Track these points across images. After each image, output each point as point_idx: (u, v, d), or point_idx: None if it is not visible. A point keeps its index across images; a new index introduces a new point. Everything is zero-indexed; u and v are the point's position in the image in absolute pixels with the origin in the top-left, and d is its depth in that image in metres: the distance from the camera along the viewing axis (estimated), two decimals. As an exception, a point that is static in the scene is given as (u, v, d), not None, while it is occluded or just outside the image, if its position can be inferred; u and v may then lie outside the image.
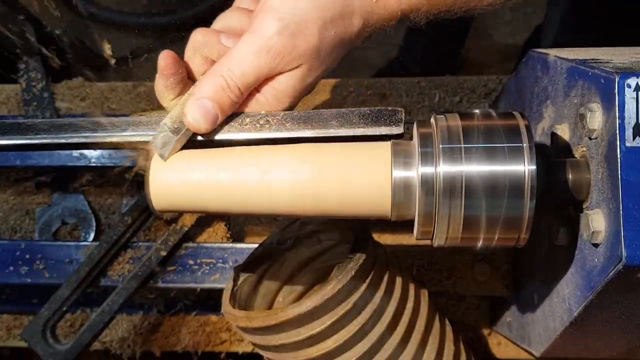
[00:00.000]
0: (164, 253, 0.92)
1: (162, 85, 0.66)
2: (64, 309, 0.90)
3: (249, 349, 1.02)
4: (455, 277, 0.95)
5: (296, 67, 0.64)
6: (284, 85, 0.65)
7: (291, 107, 0.67)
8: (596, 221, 0.60)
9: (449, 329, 0.84)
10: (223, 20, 0.70)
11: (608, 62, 0.63)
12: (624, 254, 0.56)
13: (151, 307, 1.03)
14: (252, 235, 1.03)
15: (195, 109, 0.63)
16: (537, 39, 1.57)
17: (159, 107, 0.98)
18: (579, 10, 1.24)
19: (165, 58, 0.65)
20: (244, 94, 0.64)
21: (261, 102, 0.65)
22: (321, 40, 0.63)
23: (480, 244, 0.62)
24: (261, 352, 0.80)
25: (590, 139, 0.62)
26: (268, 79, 0.64)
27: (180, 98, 0.66)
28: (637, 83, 0.57)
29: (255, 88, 0.65)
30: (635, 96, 0.57)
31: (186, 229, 0.94)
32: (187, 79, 0.67)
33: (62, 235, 1.05)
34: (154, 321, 1.03)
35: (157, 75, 0.66)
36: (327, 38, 0.63)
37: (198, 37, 0.67)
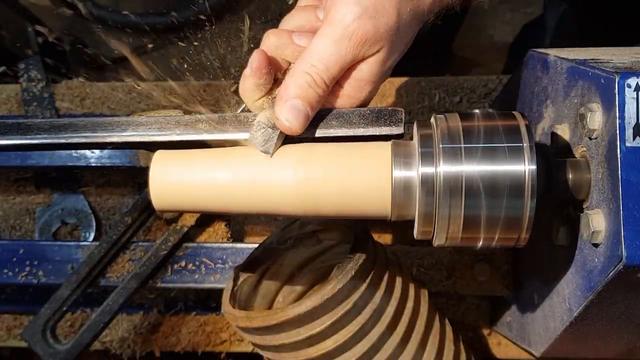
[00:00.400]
0: (164, 253, 0.92)
1: (252, 84, 0.64)
2: (64, 309, 0.90)
3: (249, 349, 1.02)
4: (455, 277, 0.95)
5: (377, 51, 0.62)
6: (365, 73, 0.63)
7: (371, 95, 0.65)
8: (596, 221, 0.60)
9: (449, 329, 0.84)
10: (290, 22, 0.69)
11: (608, 62, 0.63)
12: (624, 253, 0.56)
13: (151, 307, 1.03)
14: (252, 235, 1.03)
15: (286, 111, 0.62)
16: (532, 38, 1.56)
17: (159, 107, 0.98)
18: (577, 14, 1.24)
19: (258, 57, 0.63)
20: (330, 87, 0.63)
21: (341, 94, 0.64)
22: (399, 17, 0.62)
23: (480, 243, 0.62)
24: (261, 352, 0.80)
25: (590, 138, 0.62)
26: (349, 68, 0.63)
27: (267, 98, 0.65)
28: (637, 83, 0.57)
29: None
30: (635, 96, 0.57)
31: (186, 229, 0.94)
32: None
33: (62, 235, 1.05)
34: (154, 321, 1.03)
35: (247, 75, 0.64)
36: (403, 15, 0.62)
37: (271, 39, 0.65)
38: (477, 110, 0.64)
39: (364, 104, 0.66)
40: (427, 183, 0.60)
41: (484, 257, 0.94)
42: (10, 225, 1.06)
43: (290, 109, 0.62)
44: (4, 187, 1.06)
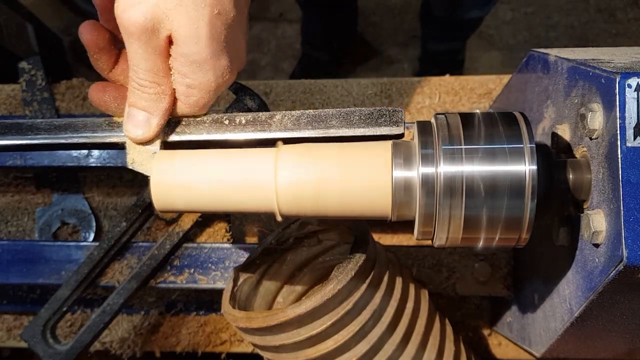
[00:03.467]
0: (164, 253, 0.92)
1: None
2: (64, 309, 0.90)
3: (249, 349, 1.02)
4: (456, 277, 0.95)
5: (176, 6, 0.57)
6: (180, 36, 0.58)
7: (205, 59, 0.60)
8: (597, 221, 0.60)
9: (449, 329, 0.84)
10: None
11: (609, 62, 0.63)
12: (625, 254, 0.56)
13: (151, 308, 1.03)
14: (252, 235, 1.03)
15: (125, 124, 0.63)
16: None
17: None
18: None
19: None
20: (160, 80, 0.61)
21: (180, 74, 0.61)
22: None
23: (480, 244, 0.62)
24: (261, 353, 0.80)
25: (590, 139, 0.62)
26: (168, 50, 0.60)
27: None
28: (638, 83, 0.57)
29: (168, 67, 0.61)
30: (635, 96, 0.57)
31: (186, 229, 0.94)
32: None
33: (62, 235, 1.05)
34: (154, 321, 1.03)
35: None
36: None
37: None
38: (477, 111, 0.64)
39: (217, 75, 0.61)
40: (428, 183, 0.60)
41: (484, 258, 0.94)
42: (10, 225, 1.06)
43: (127, 120, 0.63)
44: (4, 187, 1.06)
